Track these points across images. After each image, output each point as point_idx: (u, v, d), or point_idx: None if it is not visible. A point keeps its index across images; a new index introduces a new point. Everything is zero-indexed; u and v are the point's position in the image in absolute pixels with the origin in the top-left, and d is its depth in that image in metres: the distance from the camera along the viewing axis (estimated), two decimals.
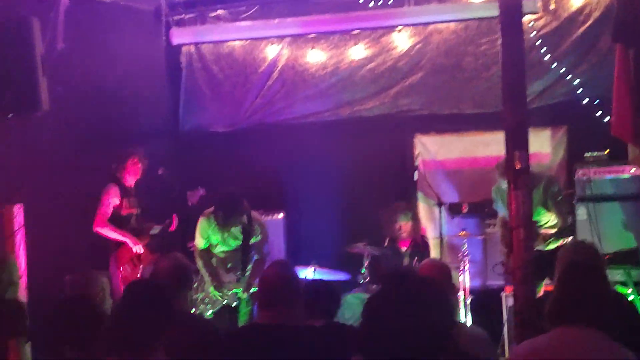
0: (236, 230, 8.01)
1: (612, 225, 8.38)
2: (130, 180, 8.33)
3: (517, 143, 5.58)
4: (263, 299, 4.44)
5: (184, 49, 10.82)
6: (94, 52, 8.95)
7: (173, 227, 8.58)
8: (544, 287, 7.56)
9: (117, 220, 8.18)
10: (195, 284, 7.92)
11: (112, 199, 8.14)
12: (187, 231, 8.53)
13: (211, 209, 8.05)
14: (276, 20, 10.22)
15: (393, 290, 2.76)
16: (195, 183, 9.40)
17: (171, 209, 8.66)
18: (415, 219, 8.88)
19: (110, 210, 8.13)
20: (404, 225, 8.71)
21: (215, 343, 4.55)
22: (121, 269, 8.09)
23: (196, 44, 10.77)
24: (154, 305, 3.76)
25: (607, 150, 8.64)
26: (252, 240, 8.04)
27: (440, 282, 2.77)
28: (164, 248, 8.11)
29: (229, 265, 8.03)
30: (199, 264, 7.96)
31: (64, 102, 8.09)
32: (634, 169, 8.28)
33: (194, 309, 7.81)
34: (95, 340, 4.09)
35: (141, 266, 8.15)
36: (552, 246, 7.47)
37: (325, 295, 5.13)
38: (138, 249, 8.17)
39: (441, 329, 2.70)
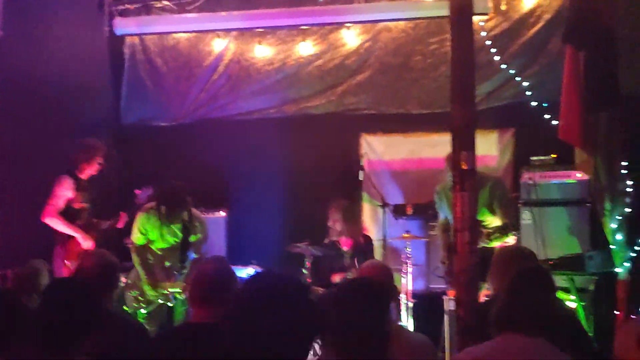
0: (176, 227, 7.77)
1: (556, 230, 8.37)
2: (87, 174, 8.09)
3: (464, 143, 5.45)
4: (198, 296, 4.21)
5: (127, 40, 10.62)
6: (34, 41, 8.67)
7: (121, 225, 8.34)
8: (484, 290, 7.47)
9: (69, 214, 7.93)
10: (130, 282, 7.69)
11: (66, 191, 7.89)
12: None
13: (152, 203, 7.80)
14: (223, 13, 10.05)
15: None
16: (135, 177, 9.22)
17: (116, 205, 8.42)
18: (353, 218, 8.66)
19: (62, 202, 7.87)
20: (335, 223, 8.52)
21: (142, 343, 4.35)
22: (67, 263, 7.82)
23: (140, 35, 10.57)
24: (76, 303, 3.54)
25: (554, 154, 8.60)
26: (192, 239, 7.81)
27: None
28: (104, 244, 7.90)
29: (167, 263, 7.79)
30: (136, 260, 7.72)
31: (2, 91, 7.84)
32: (580, 174, 8.23)
33: (127, 308, 7.58)
34: (16, 339, 3.89)
35: None
36: (495, 243, 7.32)
37: None
38: (87, 244, 7.93)
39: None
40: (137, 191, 8.36)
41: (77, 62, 9.36)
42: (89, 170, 8.11)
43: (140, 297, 7.61)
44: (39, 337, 3.47)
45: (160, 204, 7.66)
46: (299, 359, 2.50)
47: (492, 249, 7.19)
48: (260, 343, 2.37)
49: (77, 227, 7.95)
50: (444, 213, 8.04)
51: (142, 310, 7.57)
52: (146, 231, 7.76)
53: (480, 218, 7.39)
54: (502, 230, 7.30)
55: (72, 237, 7.93)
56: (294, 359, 2.49)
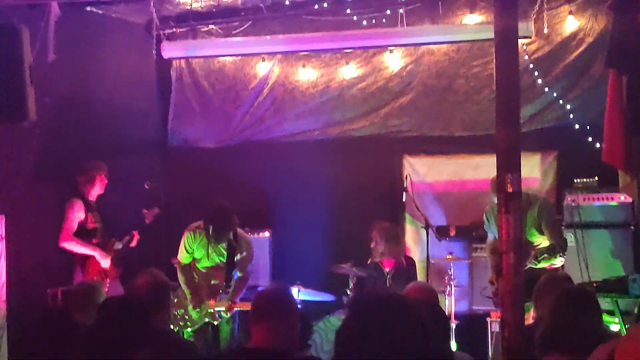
0: (222, 246, 7.87)
1: (600, 252, 8.34)
2: (94, 195, 8.23)
3: (509, 165, 5.48)
4: (257, 314, 4.14)
5: (174, 63, 10.74)
6: (84, 64, 8.86)
7: (134, 243, 8.47)
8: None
9: (84, 234, 8.07)
10: (176, 300, 7.78)
11: (77, 213, 8.04)
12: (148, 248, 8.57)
13: (198, 223, 7.91)
14: (268, 37, 10.14)
15: (362, 314, 2.62)
16: (182, 198, 9.37)
17: (130, 225, 8.52)
18: (394, 239, 8.67)
19: (75, 224, 8.02)
20: (378, 244, 8.54)
21: None
22: None
23: (187, 59, 10.69)
24: (129, 322, 3.63)
25: (597, 177, 8.61)
26: (237, 258, 7.89)
27: (412, 300, 2.60)
28: (127, 264, 8.16)
29: (212, 282, 7.89)
30: (182, 280, 7.82)
31: (52, 113, 8.03)
32: (623, 196, 8.23)
33: (173, 326, 7.67)
34: (70, 355, 3.99)
35: (108, 280, 8.03)
36: (544, 264, 7.35)
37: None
38: (106, 262, 8.06)
39: (419, 349, 2.56)
40: (144, 210, 8.46)
41: (125, 85, 9.54)
42: (94, 191, 8.26)
43: (185, 316, 7.72)
44: (91, 353, 3.55)
45: (208, 224, 7.75)
46: None
47: (540, 269, 7.23)
48: None
49: (94, 246, 8.09)
50: (493, 234, 8.09)
51: (188, 329, 7.69)
52: (192, 250, 7.86)
53: (529, 239, 7.45)
54: (551, 251, 7.32)
55: (90, 257, 8.05)
56: None
